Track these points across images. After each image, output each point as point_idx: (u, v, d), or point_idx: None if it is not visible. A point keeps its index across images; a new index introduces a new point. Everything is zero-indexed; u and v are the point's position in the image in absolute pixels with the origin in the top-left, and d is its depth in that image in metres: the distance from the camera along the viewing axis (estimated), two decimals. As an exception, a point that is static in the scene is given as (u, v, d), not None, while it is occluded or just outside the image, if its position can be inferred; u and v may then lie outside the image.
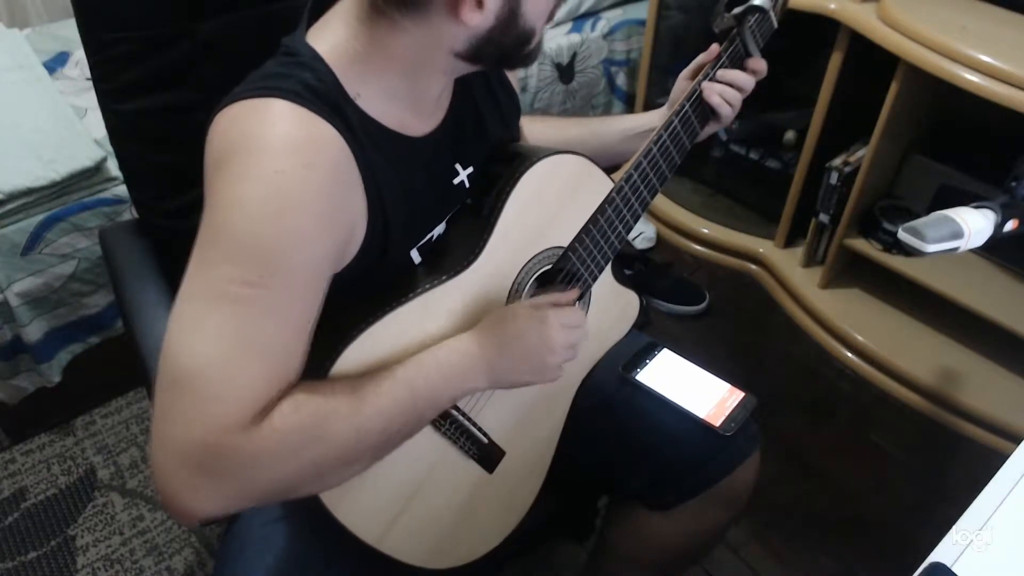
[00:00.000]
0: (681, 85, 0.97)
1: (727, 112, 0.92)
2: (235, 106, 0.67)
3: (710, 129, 0.96)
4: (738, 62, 0.93)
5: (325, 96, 0.68)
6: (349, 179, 0.69)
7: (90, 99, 1.38)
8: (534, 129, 1.03)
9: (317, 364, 0.69)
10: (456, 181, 0.83)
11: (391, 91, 0.73)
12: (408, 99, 0.75)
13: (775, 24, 0.95)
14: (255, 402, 0.62)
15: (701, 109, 0.92)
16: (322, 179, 0.66)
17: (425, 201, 0.79)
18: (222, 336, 0.62)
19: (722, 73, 0.92)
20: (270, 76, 0.69)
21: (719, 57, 0.92)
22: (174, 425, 0.61)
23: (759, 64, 0.94)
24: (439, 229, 0.82)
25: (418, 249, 0.80)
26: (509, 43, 0.73)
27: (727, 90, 0.92)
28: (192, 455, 0.60)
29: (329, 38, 0.72)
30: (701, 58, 0.95)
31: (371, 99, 0.72)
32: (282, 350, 0.65)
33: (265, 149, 0.64)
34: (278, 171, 0.63)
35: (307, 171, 0.65)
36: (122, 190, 1.52)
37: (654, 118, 1.00)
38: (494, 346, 0.76)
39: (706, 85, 0.91)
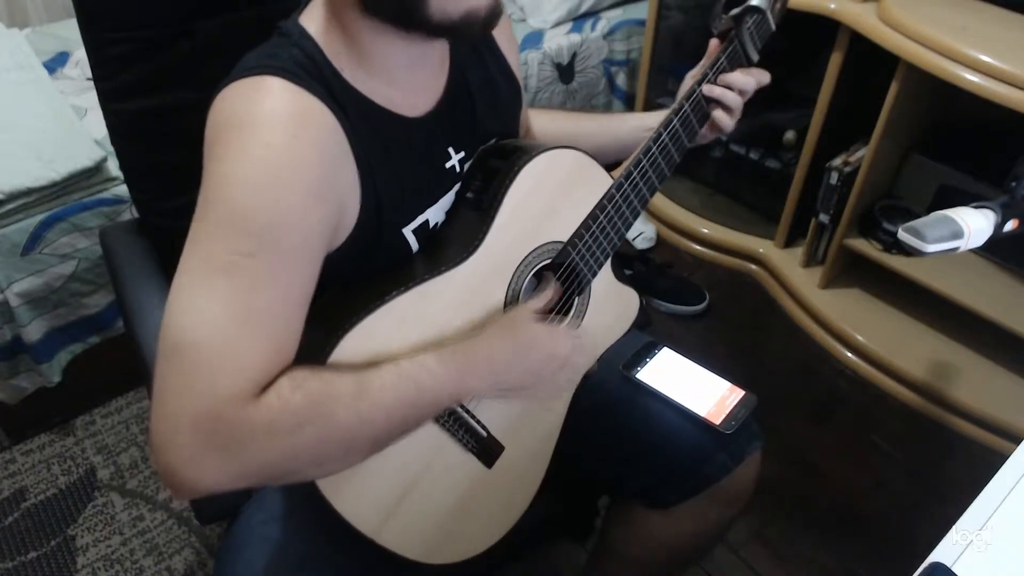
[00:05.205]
0: (688, 84, 0.96)
1: (723, 118, 0.93)
2: (229, 87, 0.69)
3: (709, 135, 0.96)
4: (737, 63, 0.93)
5: (314, 72, 0.70)
6: (339, 152, 0.70)
7: (90, 99, 1.39)
8: (545, 122, 1.04)
9: (316, 350, 0.69)
10: (448, 165, 0.83)
11: (362, 64, 0.74)
12: (379, 73, 0.75)
13: (773, 26, 0.95)
14: (251, 374, 0.63)
15: (700, 110, 0.92)
16: (310, 150, 0.67)
17: (416, 181, 0.79)
18: (217, 307, 0.62)
19: (723, 77, 0.92)
20: (262, 56, 0.71)
21: (717, 58, 0.92)
22: (171, 396, 0.61)
23: (762, 75, 0.94)
24: (433, 213, 0.82)
25: (414, 233, 0.80)
26: None
27: (726, 94, 0.92)
28: (189, 425, 0.60)
29: (317, 17, 0.73)
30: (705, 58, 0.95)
31: (355, 74, 0.73)
32: (277, 322, 0.65)
33: (254, 124, 0.66)
34: (266, 144, 0.65)
35: (295, 143, 0.66)
36: (122, 190, 1.52)
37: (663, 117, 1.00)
38: (503, 347, 0.77)
39: (706, 88, 0.91)
